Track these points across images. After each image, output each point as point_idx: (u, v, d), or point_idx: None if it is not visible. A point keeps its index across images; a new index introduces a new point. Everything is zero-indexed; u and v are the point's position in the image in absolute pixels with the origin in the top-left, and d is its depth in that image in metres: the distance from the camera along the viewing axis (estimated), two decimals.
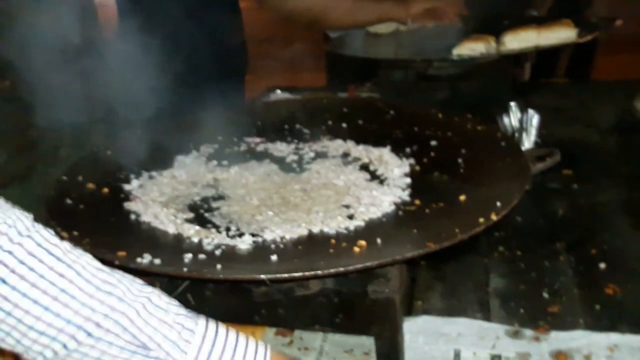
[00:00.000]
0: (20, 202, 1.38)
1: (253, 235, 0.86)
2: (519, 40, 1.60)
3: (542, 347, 0.91)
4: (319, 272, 0.73)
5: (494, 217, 0.82)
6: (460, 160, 1.07)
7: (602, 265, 1.07)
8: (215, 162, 1.17)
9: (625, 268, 1.06)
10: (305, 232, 0.88)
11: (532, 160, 1.06)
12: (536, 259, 1.11)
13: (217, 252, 0.82)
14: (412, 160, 1.10)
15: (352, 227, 0.88)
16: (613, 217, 1.24)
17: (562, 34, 1.61)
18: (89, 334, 0.60)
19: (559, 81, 2.13)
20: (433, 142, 1.16)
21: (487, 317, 0.98)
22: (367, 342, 0.93)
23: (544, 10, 2.15)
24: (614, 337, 0.91)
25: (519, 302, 1.01)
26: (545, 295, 1.02)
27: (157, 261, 0.77)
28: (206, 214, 0.97)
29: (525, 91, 1.81)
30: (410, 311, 1.01)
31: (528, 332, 0.94)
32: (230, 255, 0.81)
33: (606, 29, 1.80)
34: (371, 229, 0.88)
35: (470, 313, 0.99)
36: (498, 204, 0.85)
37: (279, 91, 2.06)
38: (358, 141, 1.21)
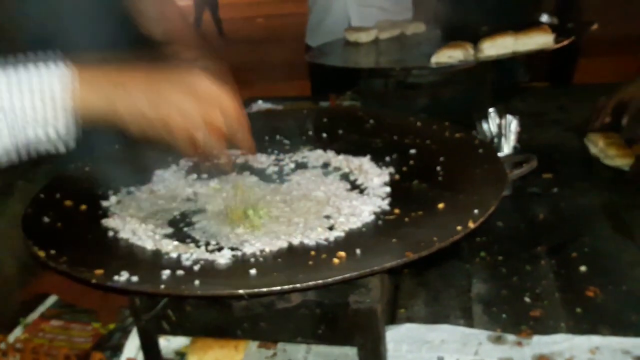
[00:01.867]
0: (3, 218, 1.37)
1: (232, 249, 0.86)
2: (496, 46, 1.61)
3: (524, 352, 0.91)
4: (298, 285, 0.73)
5: (471, 225, 0.82)
6: (438, 168, 1.07)
7: (583, 268, 1.08)
8: (194, 176, 1.17)
9: (606, 270, 1.08)
10: (285, 245, 0.87)
11: (510, 167, 1.07)
12: (518, 264, 1.12)
13: (196, 268, 0.81)
14: (391, 169, 1.11)
15: (332, 238, 0.88)
16: (593, 220, 1.25)
17: (539, 40, 1.62)
18: None
19: (538, 85, 2.15)
20: (412, 151, 1.17)
21: (469, 323, 0.98)
22: (350, 353, 0.93)
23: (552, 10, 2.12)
24: (595, 340, 0.91)
25: (501, 307, 1.01)
26: (527, 299, 1.02)
27: (135, 278, 0.76)
28: (185, 229, 0.96)
29: (505, 96, 1.83)
30: (393, 319, 1.01)
31: (510, 337, 0.94)
32: (209, 270, 0.81)
33: (582, 33, 1.82)
34: (351, 240, 0.88)
35: (453, 319, 1.00)
36: (476, 211, 0.85)
37: (260, 101, 2.07)
38: (338, 151, 1.22)
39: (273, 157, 1.24)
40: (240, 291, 0.72)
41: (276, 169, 1.19)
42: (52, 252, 0.85)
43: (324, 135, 1.32)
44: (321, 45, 2.09)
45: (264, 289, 0.73)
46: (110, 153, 1.20)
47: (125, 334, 1.03)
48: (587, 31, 1.81)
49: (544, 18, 1.88)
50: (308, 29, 2.59)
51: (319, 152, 1.23)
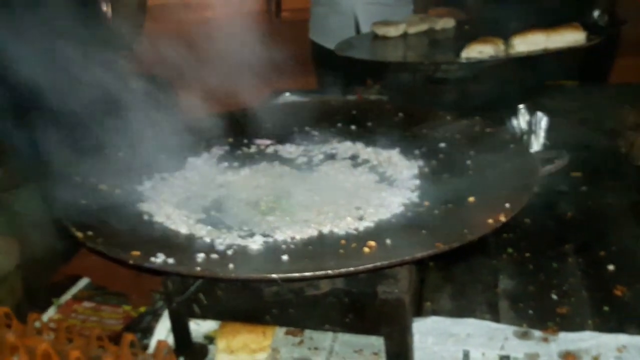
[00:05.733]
0: (35, 202, 1.40)
1: (264, 235, 0.87)
2: (527, 43, 1.60)
3: (550, 348, 0.91)
4: (330, 272, 0.74)
5: (502, 219, 0.82)
6: (468, 162, 1.07)
7: (611, 267, 1.08)
8: (226, 164, 1.19)
9: (634, 269, 1.07)
10: (315, 233, 0.88)
11: (541, 162, 1.06)
12: (545, 261, 1.12)
13: (229, 252, 0.83)
14: (421, 162, 1.11)
15: (361, 228, 0.89)
16: (621, 219, 1.24)
17: (570, 37, 1.61)
18: None
19: (568, 84, 2.12)
20: (442, 144, 1.17)
21: (496, 318, 0.99)
22: (376, 343, 0.94)
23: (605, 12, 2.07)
24: (622, 338, 0.91)
25: (528, 303, 1.01)
26: (554, 296, 1.02)
27: (171, 260, 0.78)
28: (218, 215, 0.98)
29: (535, 94, 1.81)
30: (419, 312, 1.02)
31: (537, 333, 0.94)
32: (241, 255, 0.82)
33: (614, 31, 1.80)
34: (380, 230, 0.88)
35: (479, 314, 1.00)
36: (507, 205, 0.85)
37: (287, 94, 2.08)
38: (367, 143, 1.22)
39: (302, 148, 1.25)
40: (274, 275, 0.73)
41: (305, 159, 1.20)
42: (90, 233, 0.87)
43: (353, 127, 1.32)
44: (349, 39, 2.09)
45: (296, 274, 0.74)
46: (142, 139, 1.22)
47: (156, 317, 1.05)
48: (618, 30, 1.78)
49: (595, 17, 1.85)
50: (311, 24, 2.56)
51: (348, 144, 1.24)
